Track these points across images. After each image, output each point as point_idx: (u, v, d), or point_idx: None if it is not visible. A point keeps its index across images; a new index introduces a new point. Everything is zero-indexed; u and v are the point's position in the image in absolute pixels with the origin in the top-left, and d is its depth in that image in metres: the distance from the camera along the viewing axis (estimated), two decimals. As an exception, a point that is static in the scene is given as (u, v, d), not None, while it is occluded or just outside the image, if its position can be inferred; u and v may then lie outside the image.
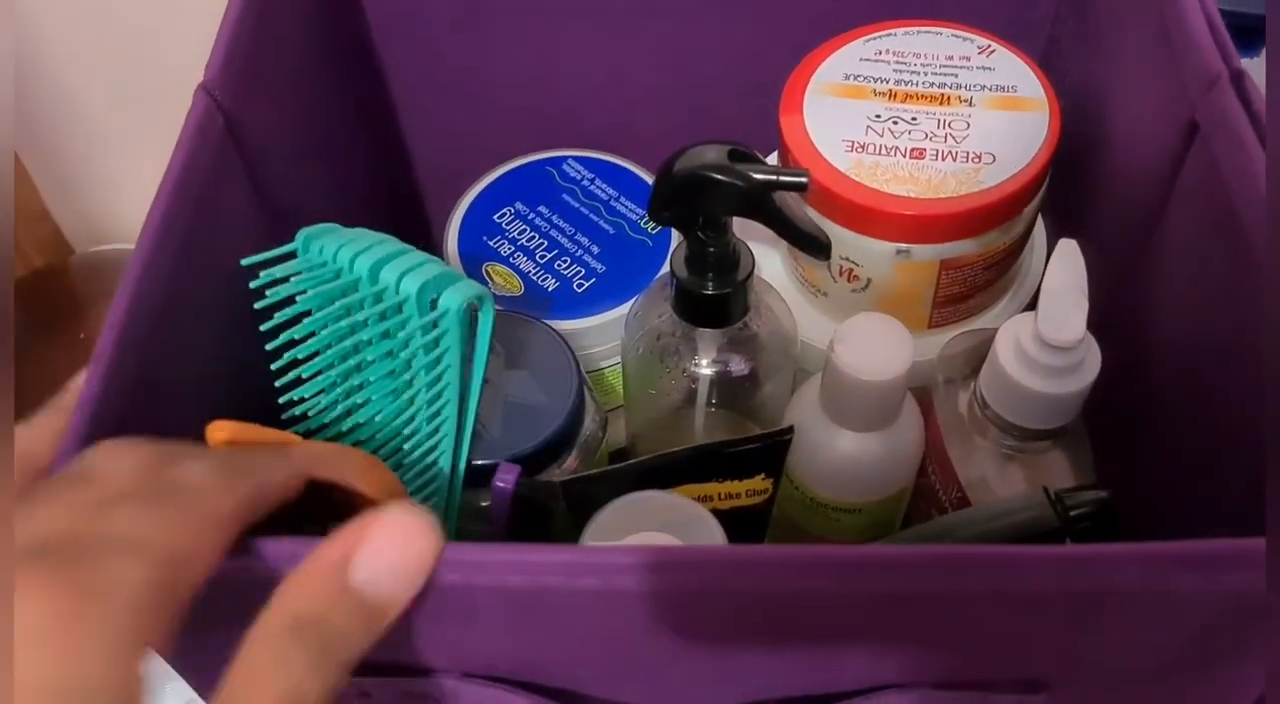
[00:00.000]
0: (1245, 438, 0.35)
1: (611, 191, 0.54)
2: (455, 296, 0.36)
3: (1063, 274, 0.40)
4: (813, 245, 0.42)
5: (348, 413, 0.39)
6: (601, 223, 0.53)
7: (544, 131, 0.56)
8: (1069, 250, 0.40)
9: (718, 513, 0.44)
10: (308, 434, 0.39)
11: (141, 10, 0.62)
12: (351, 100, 0.51)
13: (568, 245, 0.52)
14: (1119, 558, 0.25)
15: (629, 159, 0.56)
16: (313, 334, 0.37)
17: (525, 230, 0.52)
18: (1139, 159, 0.41)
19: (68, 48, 0.64)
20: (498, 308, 0.49)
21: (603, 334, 0.50)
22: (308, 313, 0.37)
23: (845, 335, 0.42)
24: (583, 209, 0.53)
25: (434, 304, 0.36)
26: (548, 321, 0.49)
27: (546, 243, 0.52)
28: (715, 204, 0.40)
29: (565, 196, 0.54)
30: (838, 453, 0.44)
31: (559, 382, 0.45)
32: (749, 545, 0.29)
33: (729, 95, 0.54)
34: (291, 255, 0.38)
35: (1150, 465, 0.42)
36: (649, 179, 0.55)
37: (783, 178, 0.39)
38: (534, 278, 0.51)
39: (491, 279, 0.51)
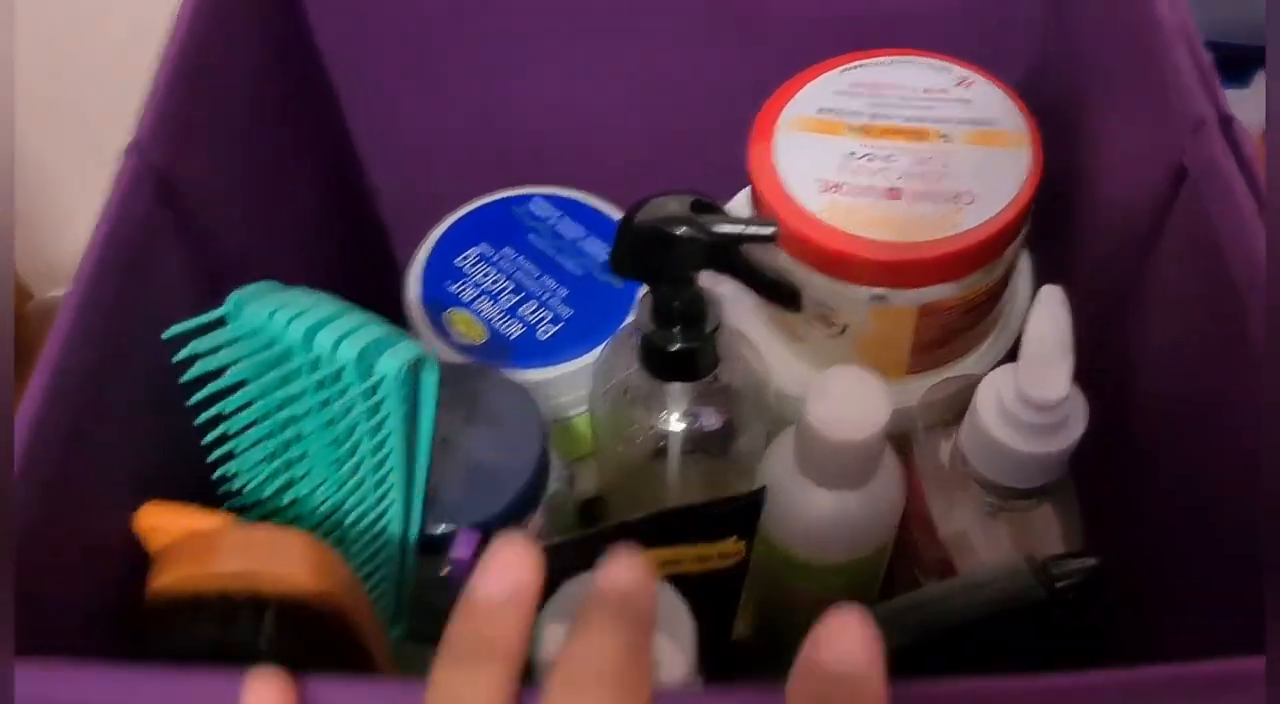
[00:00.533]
0: (1233, 497, 0.33)
1: (579, 231, 0.52)
2: (393, 361, 0.34)
3: (1046, 325, 0.37)
4: (783, 297, 0.40)
5: (288, 484, 0.37)
6: (568, 264, 0.51)
7: (510, 169, 0.54)
8: (1053, 298, 0.38)
9: (688, 577, 0.42)
10: (244, 509, 0.37)
11: (103, 54, 0.60)
12: (304, 145, 0.48)
13: (533, 288, 0.50)
14: (1103, 689, 0.23)
15: (598, 195, 0.53)
16: (250, 404, 0.35)
17: (489, 273, 0.50)
18: (1125, 200, 0.39)
19: (26, 90, 0.61)
20: (457, 360, 0.48)
21: (570, 383, 0.48)
22: (244, 382, 0.35)
23: (818, 392, 0.40)
24: (549, 250, 0.51)
25: (373, 369, 0.34)
26: (512, 371, 0.47)
27: (511, 286, 0.50)
28: (679, 258, 0.38)
29: (531, 237, 0.52)
30: (813, 512, 0.42)
31: (522, 439, 0.43)
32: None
33: (701, 128, 0.52)
34: (223, 321, 0.35)
35: (1139, 519, 0.40)
36: (618, 216, 0.52)
37: (749, 230, 0.37)
38: (498, 324, 0.49)
39: (454, 326, 0.49)
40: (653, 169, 0.54)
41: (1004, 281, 0.46)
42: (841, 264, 0.42)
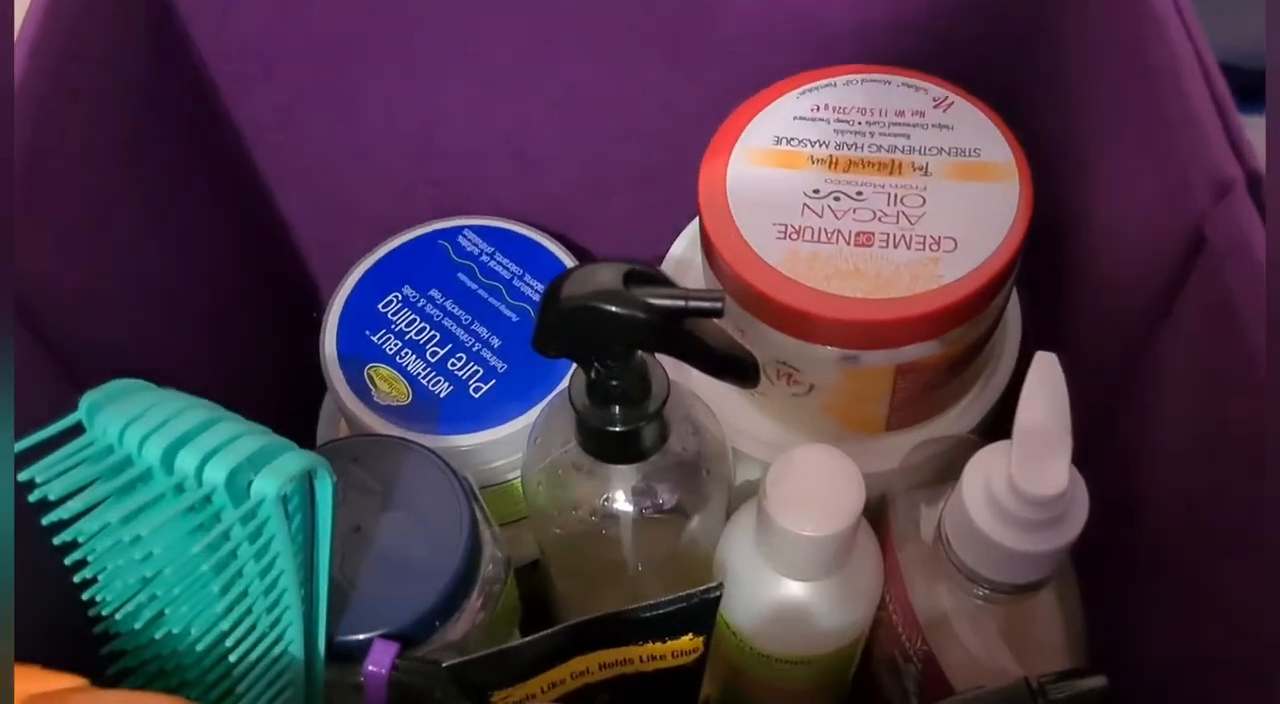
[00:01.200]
0: (1250, 608, 0.28)
1: (514, 268, 0.46)
2: (271, 482, 0.29)
3: (1040, 406, 0.32)
4: (737, 373, 0.35)
5: (161, 614, 0.31)
6: (503, 308, 0.45)
7: (435, 198, 0.48)
8: (1047, 370, 0.33)
9: (642, 676, 0.37)
10: (115, 637, 0.32)
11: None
12: (195, 198, 0.42)
13: (463, 338, 0.44)
14: None
15: (536, 225, 0.48)
16: (109, 525, 0.30)
17: (414, 321, 0.45)
18: (1131, 261, 0.33)
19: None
20: (377, 429, 0.42)
21: (504, 447, 0.43)
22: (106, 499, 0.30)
23: (778, 479, 0.35)
24: (480, 291, 0.46)
25: (249, 491, 0.29)
26: (439, 437, 0.42)
27: (439, 336, 0.45)
28: (612, 337, 0.32)
29: (461, 276, 0.46)
30: (778, 605, 0.37)
31: (446, 526, 0.38)
32: None
33: (649, 151, 0.47)
34: (80, 428, 0.30)
35: (1143, 612, 0.35)
36: (559, 252, 0.47)
37: (692, 304, 0.32)
38: (424, 381, 0.43)
39: (375, 385, 0.43)
40: (597, 197, 0.48)
41: (992, 330, 0.40)
42: (805, 323, 0.37)
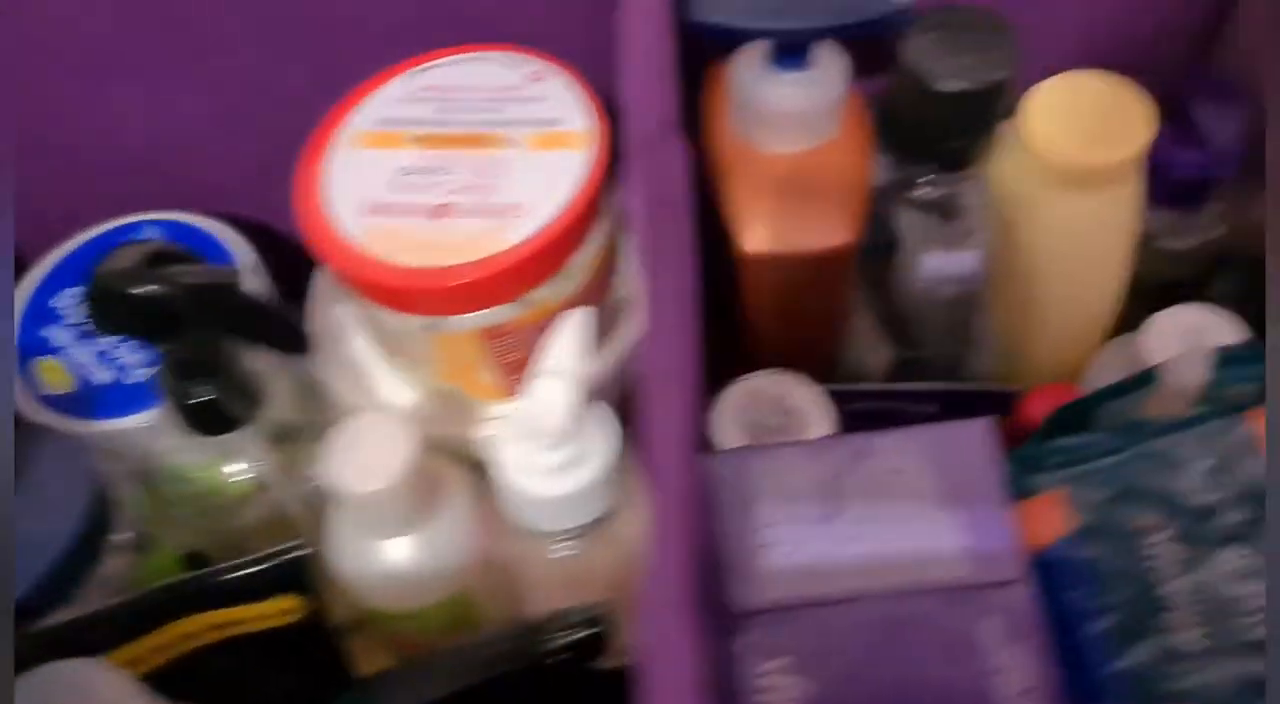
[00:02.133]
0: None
1: (187, 259, 0.48)
2: None
3: (553, 355, 0.35)
4: (285, 344, 0.37)
5: None
6: (172, 297, 0.47)
7: (123, 193, 0.50)
8: (572, 322, 0.35)
9: (260, 635, 0.39)
10: None
11: None
12: None
13: (131, 328, 0.46)
14: None
15: (215, 215, 0.50)
16: None
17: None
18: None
19: None
20: (39, 416, 0.45)
21: (160, 430, 0.45)
22: None
23: (334, 444, 0.37)
24: (153, 283, 0.48)
25: None
26: (96, 422, 0.44)
27: (110, 327, 0.47)
28: (150, 314, 0.34)
29: (137, 270, 0.48)
30: (370, 561, 0.39)
31: (64, 503, 0.40)
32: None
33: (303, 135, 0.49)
34: None
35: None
36: (229, 241, 0.49)
37: (211, 279, 0.34)
38: (87, 371, 0.46)
39: (41, 376, 0.46)
40: (264, 182, 0.50)
41: (597, 288, 0.42)
42: (385, 293, 0.39)
